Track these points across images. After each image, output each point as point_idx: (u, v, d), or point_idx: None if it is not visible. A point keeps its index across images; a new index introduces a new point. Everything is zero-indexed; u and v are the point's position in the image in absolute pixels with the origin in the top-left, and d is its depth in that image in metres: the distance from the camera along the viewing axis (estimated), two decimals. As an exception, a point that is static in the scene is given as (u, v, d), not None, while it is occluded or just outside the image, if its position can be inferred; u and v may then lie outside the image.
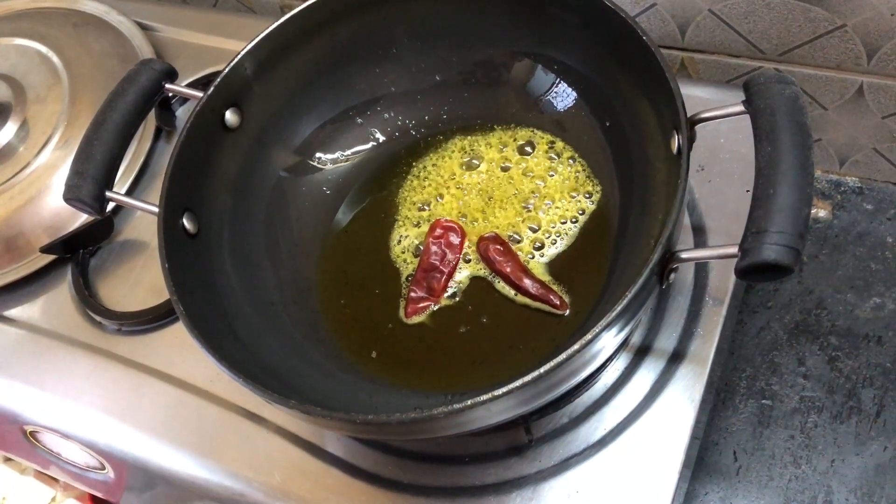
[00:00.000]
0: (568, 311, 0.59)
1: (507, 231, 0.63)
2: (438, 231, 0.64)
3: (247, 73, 0.63)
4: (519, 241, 0.63)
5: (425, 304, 0.62)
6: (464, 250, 0.63)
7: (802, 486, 0.65)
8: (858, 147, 0.75)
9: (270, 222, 0.65)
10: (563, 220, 0.63)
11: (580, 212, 0.63)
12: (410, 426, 0.47)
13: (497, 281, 0.61)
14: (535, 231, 0.63)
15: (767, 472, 0.66)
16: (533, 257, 0.62)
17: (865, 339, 0.70)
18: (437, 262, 0.63)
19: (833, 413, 0.67)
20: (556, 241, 0.62)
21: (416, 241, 0.65)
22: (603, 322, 0.44)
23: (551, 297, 0.59)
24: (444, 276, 0.62)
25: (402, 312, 0.62)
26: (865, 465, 0.65)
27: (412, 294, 0.62)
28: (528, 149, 0.67)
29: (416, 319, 0.62)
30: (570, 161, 0.65)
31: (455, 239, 0.63)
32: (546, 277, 0.61)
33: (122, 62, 0.82)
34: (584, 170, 0.64)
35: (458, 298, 0.62)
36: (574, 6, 0.59)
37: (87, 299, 0.71)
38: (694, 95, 0.68)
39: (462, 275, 0.63)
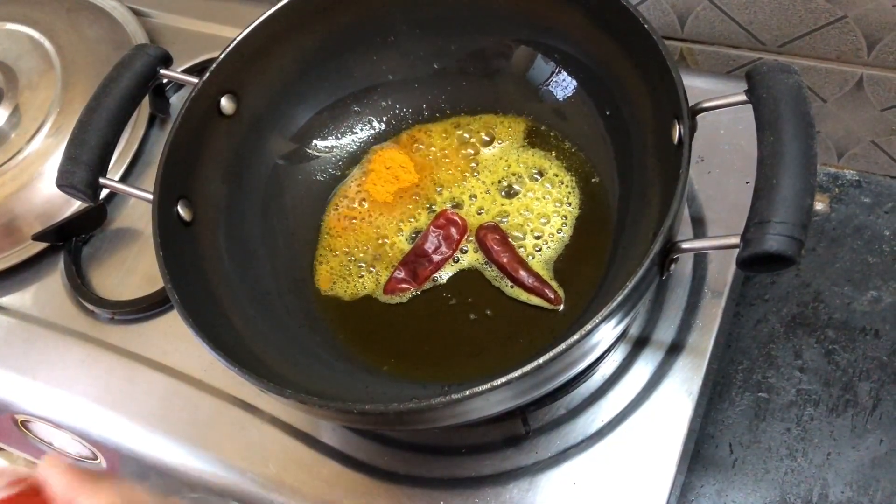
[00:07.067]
0: (562, 307, 0.58)
1: (513, 230, 0.63)
2: (441, 221, 0.63)
3: (243, 60, 0.62)
4: (522, 239, 0.62)
5: (404, 286, 0.62)
6: (461, 246, 0.63)
7: (798, 478, 0.65)
8: (857, 140, 0.75)
9: (266, 210, 0.65)
10: (556, 210, 0.62)
11: (578, 205, 0.62)
12: (408, 416, 0.47)
13: (491, 269, 0.61)
14: (537, 237, 0.62)
15: (763, 464, 0.66)
16: (533, 258, 0.61)
17: (862, 332, 0.70)
18: (430, 251, 0.62)
19: (829, 406, 0.67)
20: (554, 234, 0.62)
21: (414, 231, 0.64)
22: (603, 312, 0.44)
23: (546, 290, 0.59)
24: (431, 266, 0.62)
25: (380, 289, 0.62)
26: (861, 458, 0.65)
27: (396, 273, 0.62)
28: (528, 140, 0.66)
29: (391, 299, 0.62)
30: (571, 151, 0.65)
31: (454, 233, 0.63)
32: (545, 271, 0.60)
33: (115, 48, 0.81)
34: (584, 160, 0.64)
35: (455, 289, 0.61)
36: (575, -6, 0.59)
37: (80, 287, 0.71)
38: (693, 86, 0.67)
39: (455, 268, 0.62)
